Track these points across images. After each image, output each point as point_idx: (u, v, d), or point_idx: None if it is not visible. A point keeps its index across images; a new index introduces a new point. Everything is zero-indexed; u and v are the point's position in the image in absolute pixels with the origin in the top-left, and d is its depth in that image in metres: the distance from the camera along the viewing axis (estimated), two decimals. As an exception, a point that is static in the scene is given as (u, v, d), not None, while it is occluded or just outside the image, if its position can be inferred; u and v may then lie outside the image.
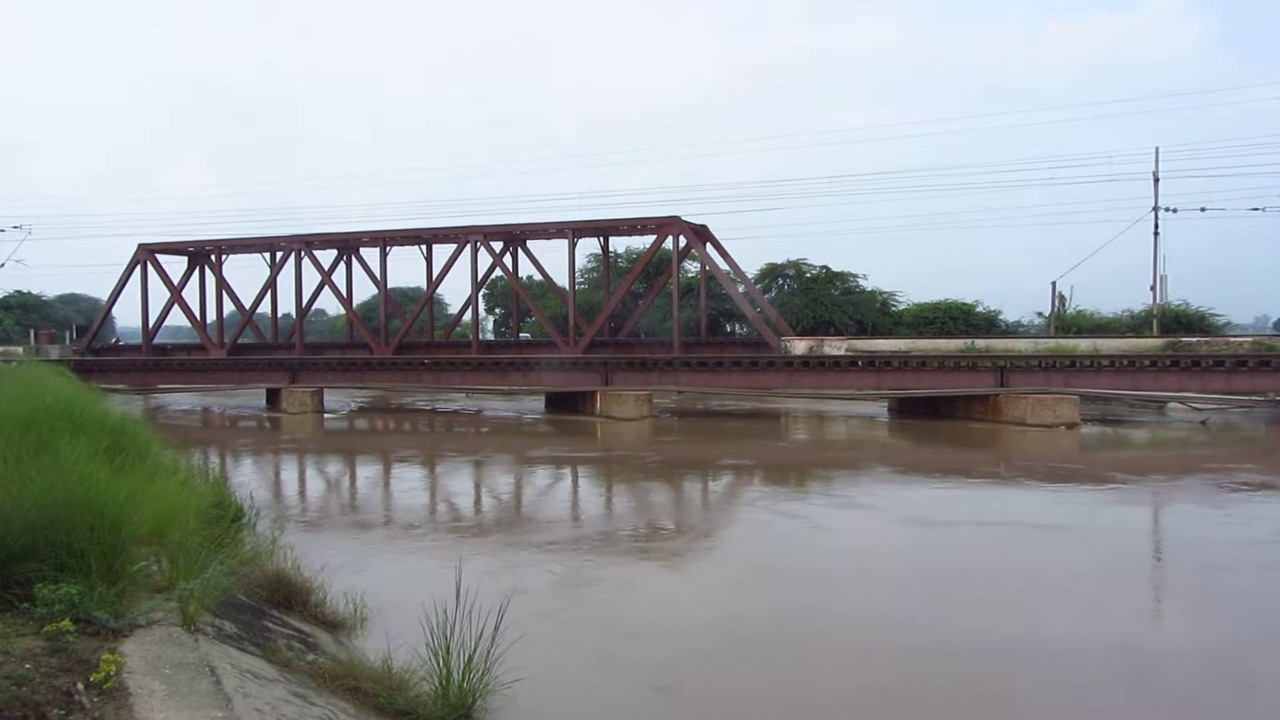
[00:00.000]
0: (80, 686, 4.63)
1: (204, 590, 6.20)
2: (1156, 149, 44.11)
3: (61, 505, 6.02)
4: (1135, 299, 48.87)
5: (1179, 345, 31.98)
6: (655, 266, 45.65)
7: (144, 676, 4.98)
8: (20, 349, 46.35)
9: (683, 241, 36.74)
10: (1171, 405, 32.25)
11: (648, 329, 47.27)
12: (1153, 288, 44.01)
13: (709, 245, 37.73)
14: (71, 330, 56.58)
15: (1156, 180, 44.01)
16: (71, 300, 78.20)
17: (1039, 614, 9.96)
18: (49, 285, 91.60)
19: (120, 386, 37.45)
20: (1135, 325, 44.22)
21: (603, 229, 39.83)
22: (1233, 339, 34.04)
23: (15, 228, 51.10)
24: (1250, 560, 12.53)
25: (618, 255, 52.12)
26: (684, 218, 36.47)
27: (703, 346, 39.00)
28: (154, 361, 41.48)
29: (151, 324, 43.75)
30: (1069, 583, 11.35)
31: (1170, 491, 18.39)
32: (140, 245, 42.99)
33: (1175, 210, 44.28)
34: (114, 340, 53.53)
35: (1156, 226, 43.97)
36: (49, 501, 6.02)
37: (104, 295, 49.50)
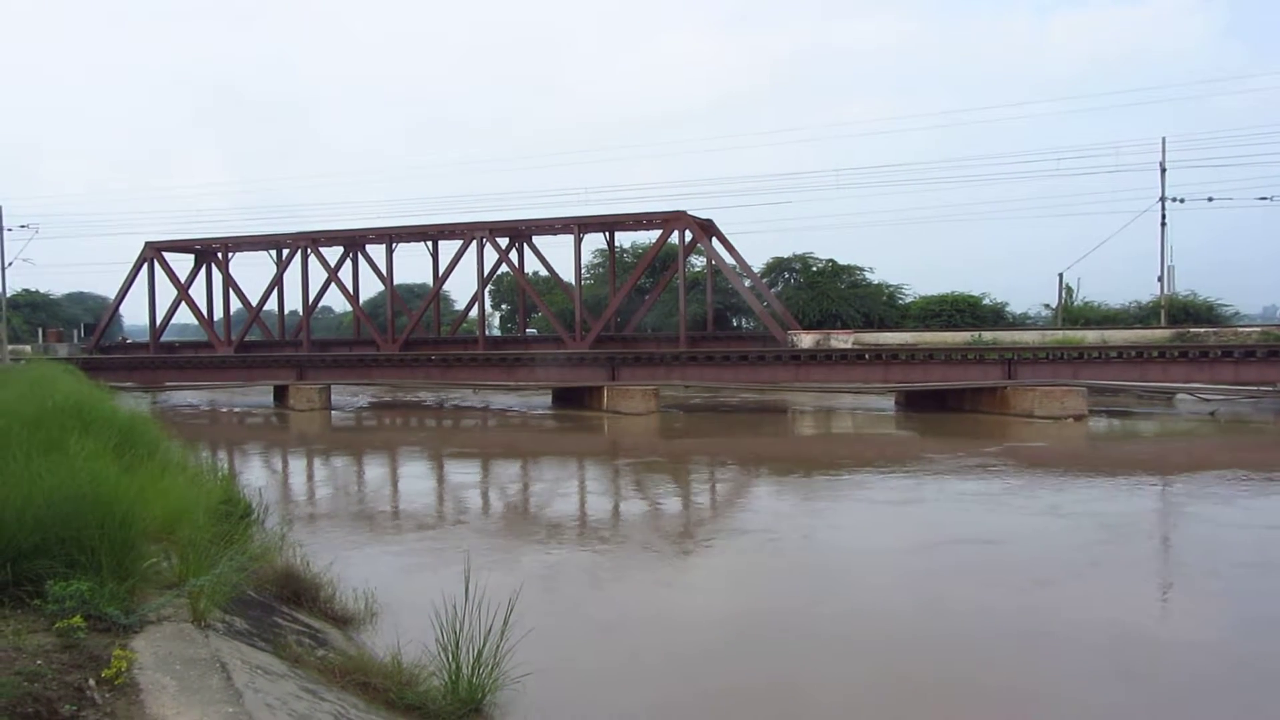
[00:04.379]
0: (92, 683, 4.65)
1: (214, 587, 6.21)
2: (1163, 139, 43.97)
3: (72, 502, 6.03)
4: (1143, 290, 48.76)
5: (1187, 336, 31.92)
6: (661, 261, 45.67)
7: (155, 672, 4.99)
8: (29, 347, 46.56)
9: (689, 236, 36.74)
10: (1180, 396, 32.17)
11: (654, 324, 47.27)
12: (1160, 278, 43.89)
13: (715, 239, 37.73)
14: (79, 329, 56.76)
15: (1163, 170, 43.85)
16: (79, 299, 78.48)
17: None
18: (56, 284, 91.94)
19: (128, 384, 37.55)
20: (1143, 316, 44.09)
21: (608, 224, 39.85)
22: (1241, 329, 33.99)
23: (23, 227, 51.15)
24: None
25: (624, 250, 52.17)
26: (690, 212, 36.46)
27: (709, 341, 39.02)
28: (161, 359, 41.60)
29: (159, 322, 43.92)
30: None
31: (1178, 483, 18.44)
32: (147, 243, 43.13)
33: (1182, 200, 44.14)
34: (121, 338, 53.69)
35: (1164, 217, 43.82)
36: (59, 499, 6.03)
37: (111, 294, 49.75)
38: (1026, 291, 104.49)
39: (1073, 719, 7.27)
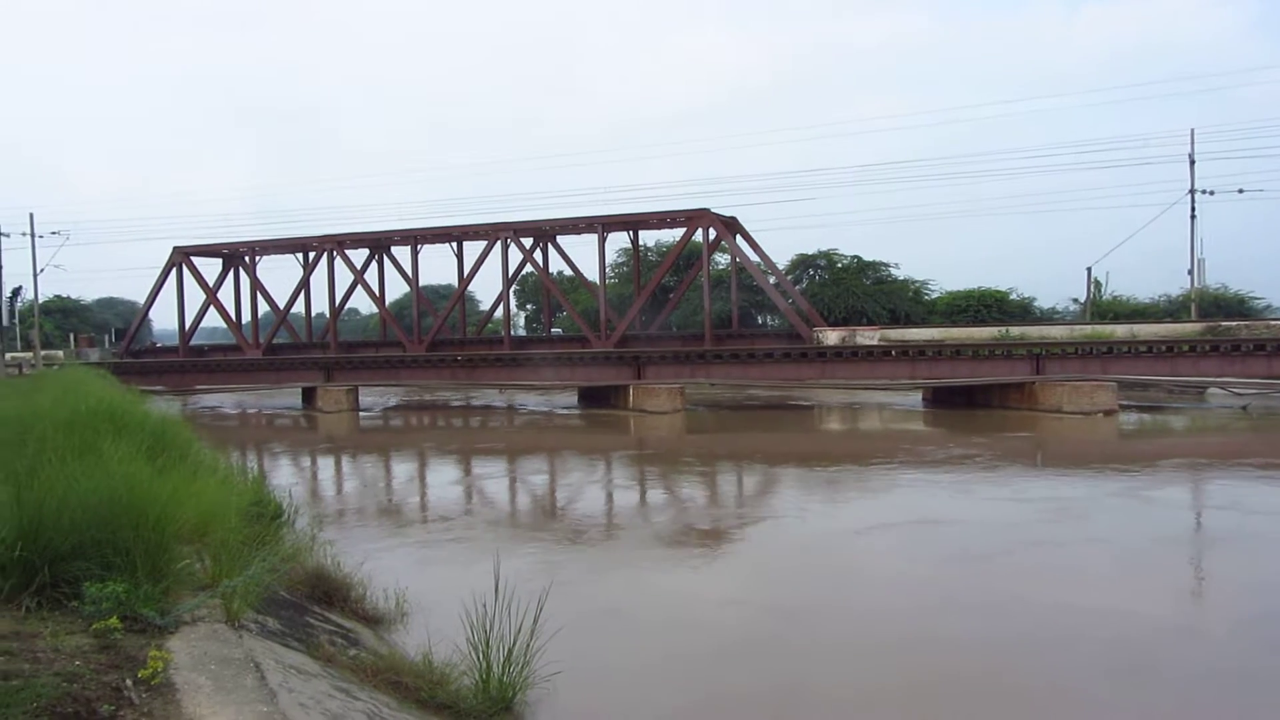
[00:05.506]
0: (129, 683, 4.70)
1: (247, 587, 6.27)
2: (1192, 131, 43.53)
3: (107, 505, 6.11)
4: (1172, 283, 48.21)
5: (1218, 329, 31.52)
6: (685, 260, 45.57)
7: (190, 672, 5.05)
8: (60, 353, 47.11)
9: (712, 234, 36.66)
10: (1211, 391, 31.81)
11: (679, 322, 47.19)
12: (1190, 271, 43.43)
13: (739, 237, 37.63)
14: (110, 333, 57.41)
15: (1192, 162, 43.42)
16: (109, 304, 79.36)
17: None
18: (87, 289, 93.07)
19: (159, 388, 37.95)
20: (1173, 310, 43.61)
21: (632, 223, 39.80)
22: (1274, 322, 33.50)
23: (54, 233, 51.87)
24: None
25: (647, 249, 52.08)
26: (713, 210, 36.39)
27: (734, 339, 38.93)
28: (191, 363, 41.97)
29: (188, 326, 44.29)
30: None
31: (1151, 472, 18.73)
32: (175, 248, 43.48)
33: (1212, 193, 43.64)
34: (151, 343, 54.23)
35: (1193, 209, 43.36)
36: (95, 502, 6.11)
37: (141, 298, 50.22)
38: (1054, 286, 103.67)
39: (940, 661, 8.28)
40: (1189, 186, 43.49)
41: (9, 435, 8.77)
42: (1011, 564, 11.74)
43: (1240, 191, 43.98)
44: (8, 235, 49.30)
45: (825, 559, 12.43)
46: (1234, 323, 33.13)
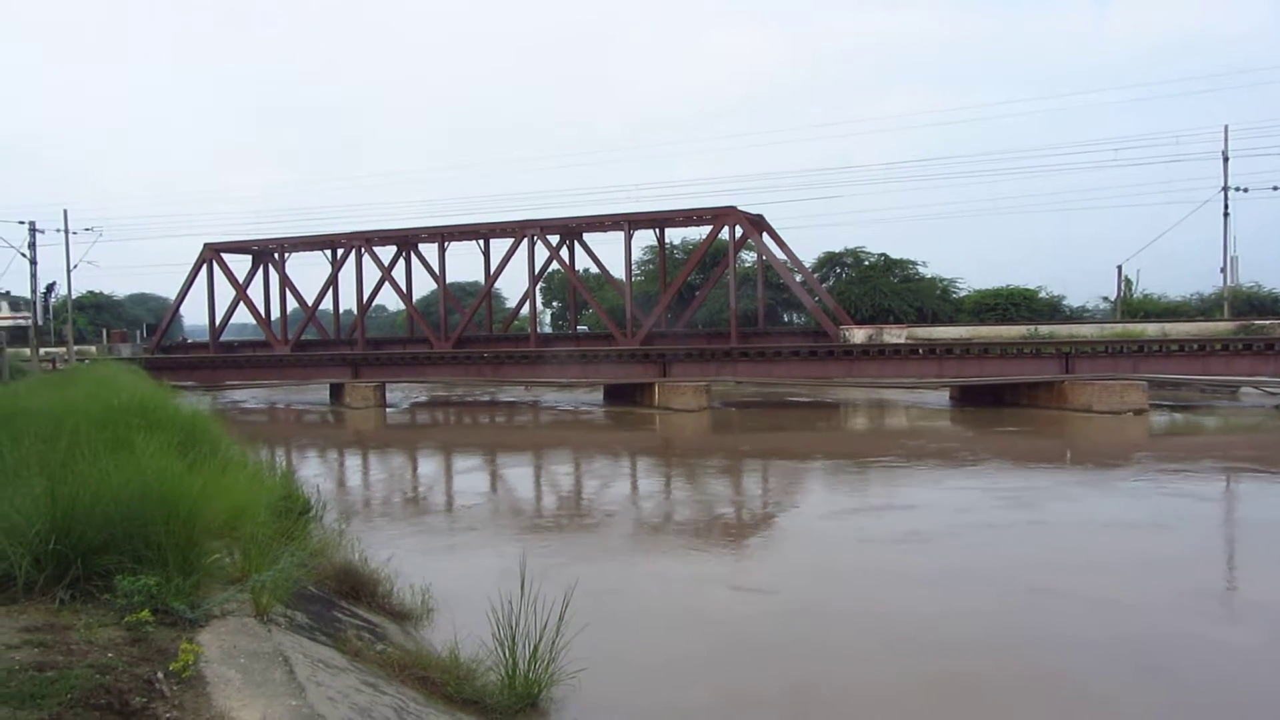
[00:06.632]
0: (160, 675, 4.76)
1: (276, 582, 6.33)
2: (1225, 127, 42.91)
3: (139, 500, 6.18)
4: (1204, 282, 47.54)
5: (1251, 328, 31.11)
6: (712, 257, 45.49)
7: (220, 666, 5.10)
8: (94, 348, 47.68)
9: (739, 231, 36.56)
10: (1245, 390, 31.43)
11: (705, 320, 47.11)
12: (1223, 270, 42.89)
13: (765, 235, 37.52)
14: (142, 329, 57.99)
15: (1226, 159, 42.82)
16: (141, 300, 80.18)
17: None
18: (119, 285, 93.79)
19: (189, 383, 38.32)
20: (1205, 308, 43.08)
21: (658, 220, 39.75)
22: (1308, 321, 33.01)
23: (87, 230, 52.40)
24: None
25: (674, 247, 52.07)
26: (740, 208, 36.30)
27: (760, 336, 38.83)
28: (221, 359, 42.36)
29: (218, 322, 44.68)
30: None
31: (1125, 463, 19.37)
32: (206, 245, 43.88)
33: (1246, 190, 43.06)
34: (182, 338, 54.74)
35: (1226, 207, 42.79)
36: (127, 496, 6.18)
37: (172, 294, 50.72)
38: (1084, 284, 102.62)
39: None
40: (1222, 183, 42.95)
41: (43, 429, 8.88)
42: (954, 542, 12.71)
43: (1275, 188, 43.37)
44: (42, 231, 49.91)
45: (820, 553, 12.81)
46: (1268, 321, 32.68)
